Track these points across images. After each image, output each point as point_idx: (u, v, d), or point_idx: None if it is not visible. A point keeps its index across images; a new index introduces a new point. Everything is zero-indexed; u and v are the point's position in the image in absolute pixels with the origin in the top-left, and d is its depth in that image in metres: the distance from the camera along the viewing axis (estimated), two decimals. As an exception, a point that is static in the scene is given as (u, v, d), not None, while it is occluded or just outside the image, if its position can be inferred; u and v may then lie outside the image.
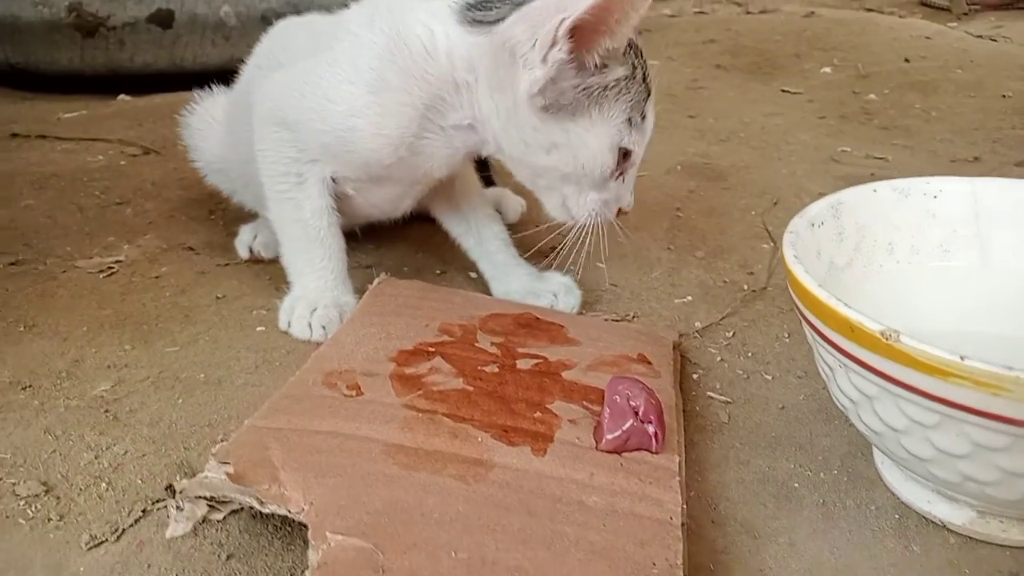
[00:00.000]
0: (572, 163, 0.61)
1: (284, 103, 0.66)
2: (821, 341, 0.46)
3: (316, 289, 0.69)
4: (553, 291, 0.74)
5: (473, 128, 0.64)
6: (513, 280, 0.76)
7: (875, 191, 0.58)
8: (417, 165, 0.66)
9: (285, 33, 0.77)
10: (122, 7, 1.47)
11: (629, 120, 0.61)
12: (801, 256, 0.48)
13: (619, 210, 0.65)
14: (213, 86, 0.88)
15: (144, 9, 1.48)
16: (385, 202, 0.72)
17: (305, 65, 0.65)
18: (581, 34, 0.56)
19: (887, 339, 0.40)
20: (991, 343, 0.58)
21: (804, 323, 0.48)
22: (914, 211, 0.58)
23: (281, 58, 0.72)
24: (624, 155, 0.62)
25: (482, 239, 0.77)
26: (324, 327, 0.66)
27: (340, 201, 0.70)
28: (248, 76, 0.78)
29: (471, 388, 0.55)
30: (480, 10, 0.60)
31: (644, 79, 0.61)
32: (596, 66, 0.58)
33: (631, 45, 0.60)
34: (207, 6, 1.51)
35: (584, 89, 0.58)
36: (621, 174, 0.64)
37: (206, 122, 0.84)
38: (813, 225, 0.54)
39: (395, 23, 0.62)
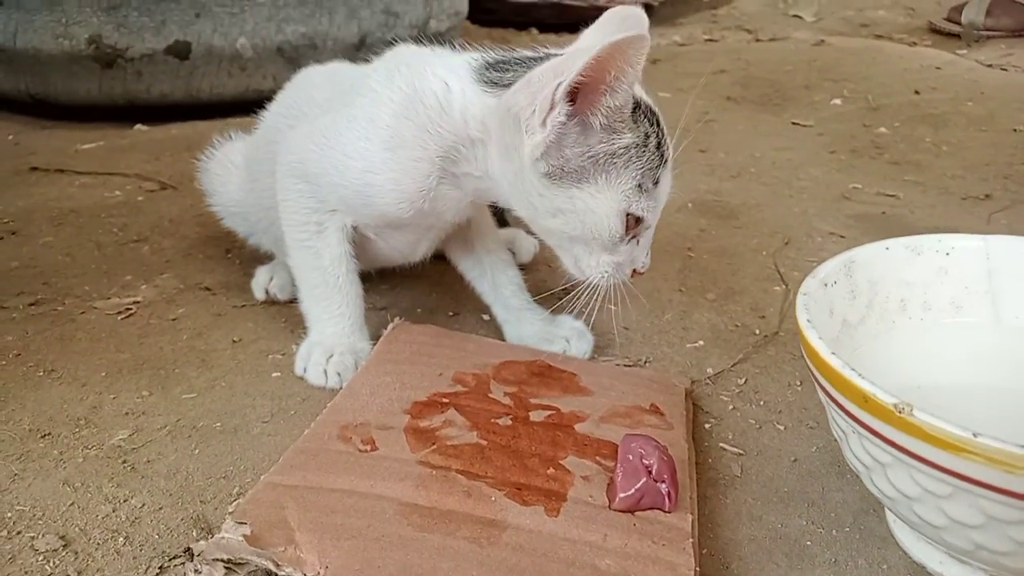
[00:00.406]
0: (579, 227, 0.61)
1: (306, 156, 0.67)
2: (834, 406, 0.46)
3: (332, 335, 0.70)
4: (565, 336, 0.75)
5: (484, 180, 0.65)
6: (526, 325, 0.76)
7: (887, 248, 0.58)
8: (433, 212, 0.67)
9: (308, 83, 0.78)
10: (140, 39, 1.50)
11: (639, 186, 0.60)
12: (814, 318, 0.49)
13: (634, 271, 0.65)
14: (231, 132, 0.90)
15: (162, 41, 1.50)
16: (403, 246, 0.73)
17: (326, 120, 0.67)
18: (582, 95, 0.57)
19: (900, 412, 0.40)
20: (1004, 398, 0.58)
21: (817, 386, 0.48)
22: (926, 268, 0.59)
23: (305, 109, 0.73)
24: (636, 220, 0.61)
25: (496, 284, 0.78)
26: (339, 374, 0.67)
27: (359, 246, 0.71)
28: (270, 123, 0.79)
29: (485, 442, 0.55)
30: (497, 71, 0.62)
31: (658, 147, 0.61)
32: (602, 127, 0.58)
33: (646, 112, 0.60)
34: (223, 38, 1.54)
35: (590, 156, 0.58)
36: (634, 237, 0.63)
37: (225, 167, 0.85)
38: (826, 285, 0.54)
39: (413, 78, 0.63)
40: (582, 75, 0.55)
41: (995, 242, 0.59)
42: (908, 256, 0.59)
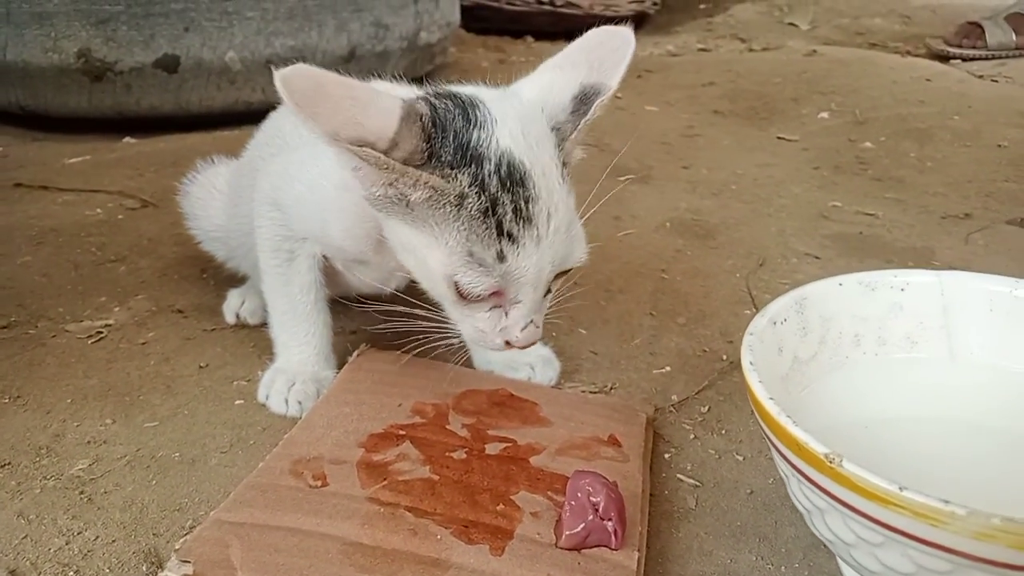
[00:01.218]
0: (421, 278, 0.57)
1: (279, 185, 0.68)
2: (775, 450, 0.46)
3: (297, 362, 0.71)
4: (530, 364, 0.74)
5: None
6: (493, 352, 0.75)
7: (841, 284, 0.58)
8: (391, 257, 0.62)
9: (289, 115, 0.78)
10: (129, 53, 1.51)
11: (470, 254, 0.53)
12: (758, 360, 0.49)
13: (507, 342, 0.57)
14: (214, 157, 0.90)
15: (151, 55, 1.51)
16: (374, 280, 0.72)
17: (299, 154, 0.67)
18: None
19: (830, 462, 0.40)
20: (958, 432, 0.58)
21: (761, 428, 0.48)
22: (881, 303, 0.59)
23: (288, 140, 0.73)
24: (488, 294, 0.54)
25: None
26: (300, 402, 0.68)
27: (330, 275, 0.71)
28: (253, 150, 0.80)
29: (437, 477, 0.56)
30: None
31: (487, 214, 0.52)
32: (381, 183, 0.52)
33: (479, 164, 0.52)
34: (212, 52, 1.54)
35: (393, 196, 0.53)
36: (496, 307, 0.56)
37: (207, 191, 0.86)
38: (775, 323, 0.54)
39: None
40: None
41: (949, 278, 0.59)
42: (862, 292, 0.59)
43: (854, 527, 0.42)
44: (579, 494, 0.52)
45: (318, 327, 0.71)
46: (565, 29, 2.93)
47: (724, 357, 0.80)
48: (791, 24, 2.89)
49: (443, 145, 0.52)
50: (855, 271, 0.96)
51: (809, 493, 0.45)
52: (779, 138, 1.53)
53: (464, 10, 2.18)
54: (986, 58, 2.17)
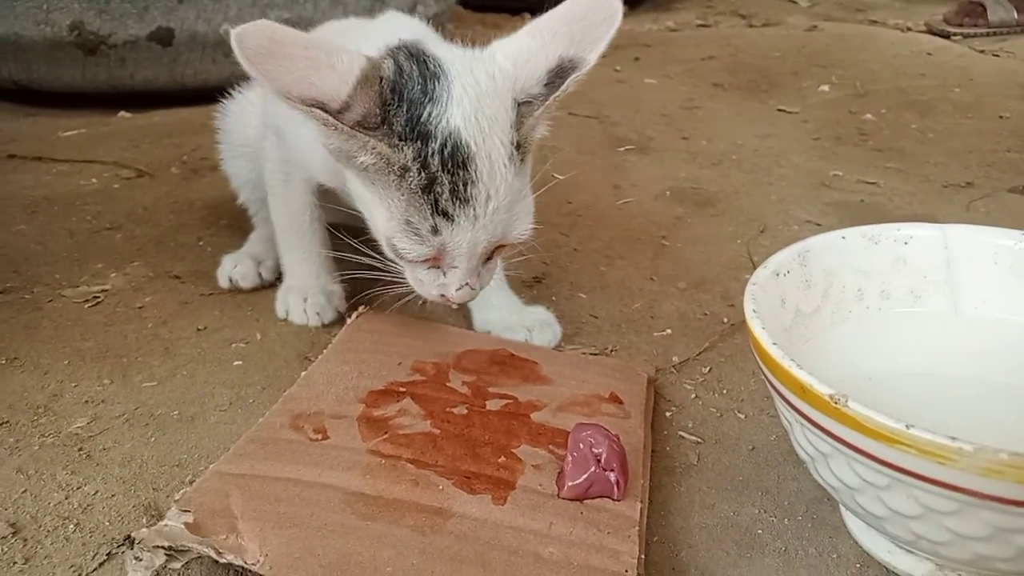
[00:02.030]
0: (370, 225, 0.59)
1: (274, 112, 0.70)
2: (778, 396, 0.46)
3: (304, 277, 0.77)
4: (528, 326, 0.74)
5: None
6: (493, 311, 0.76)
7: (844, 238, 0.58)
8: None
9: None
10: (123, 26, 1.49)
11: (408, 222, 0.54)
12: (761, 309, 0.49)
13: (442, 295, 0.59)
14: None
15: (145, 28, 1.49)
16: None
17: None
18: None
19: (835, 403, 0.40)
20: (960, 387, 0.58)
21: (763, 376, 0.48)
22: (884, 257, 0.58)
23: None
24: (422, 260, 0.57)
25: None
26: (318, 313, 0.75)
27: (327, 196, 0.73)
28: None
29: (437, 431, 0.55)
30: None
31: (427, 190, 0.53)
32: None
33: (426, 141, 0.53)
34: (207, 24, 1.52)
35: (343, 153, 0.54)
36: (435, 267, 0.58)
37: (242, 106, 0.88)
38: (778, 275, 0.54)
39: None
40: None
41: (953, 231, 0.59)
42: (865, 245, 0.58)
43: (859, 470, 0.42)
44: (581, 445, 0.52)
45: (316, 243, 0.76)
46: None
47: (725, 320, 0.80)
48: (791, 1, 2.86)
49: (396, 114, 0.53)
50: (856, 237, 0.97)
51: (813, 438, 0.44)
52: (779, 110, 1.52)
53: (464, -14, 2.16)
54: (987, 35, 2.16)
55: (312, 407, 0.57)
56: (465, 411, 0.58)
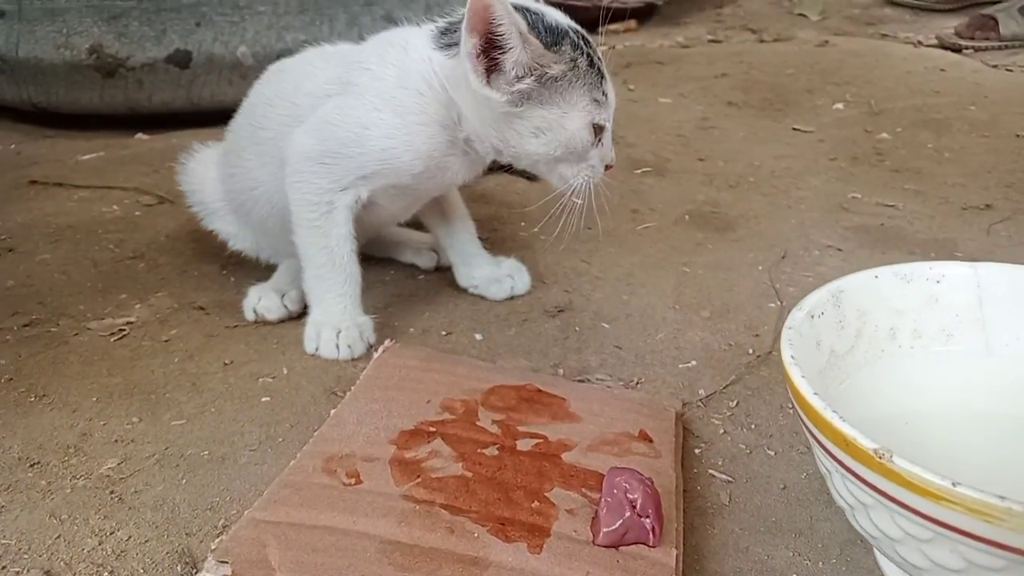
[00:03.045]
0: (559, 145, 0.70)
1: (323, 138, 0.73)
2: (818, 445, 0.46)
3: (337, 312, 0.77)
4: (509, 274, 0.88)
5: (481, 138, 0.73)
6: (475, 268, 0.88)
7: (877, 277, 0.58)
8: (443, 177, 0.76)
9: (289, 75, 0.81)
10: (141, 49, 1.50)
11: (595, 100, 0.69)
12: (799, 353, 0.48)
13: (606, 167, 0.74)
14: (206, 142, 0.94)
15: (162, 51, 1.51)
16: (402, 210, 0.83)
17: (333, 104, 0.73)
18: (487, 49, 0.65)
19: (879, 458, 0.40)
20: (994, 425, 0.57)
21: (802, 423, 0.48)
22: (917, 296, 0.58)
23: (296, 100, 0.77)
24: (599, 128, 0.71)
25: (453, 232, 0.89)
26: (350, 346, 0.76)
27: (358, 216, 0.77)
28: (251, 112, 0.83)
29: (470, 474, 0.55)
30: (448, 34, 0.71)
31: (591, 66, 0.69)
32: (517, 69, 0.66)
33: (572, 41, 0.68)
34: (224, 47, 1.54)
35: (530, 88, 0.67)
36: (599, 141, 0.72)
37: (203, 164, 0.91)
38: (812, 316, 0.53)
39: (400, 55, 0.72)
40: (477, 43, 0.64)
41: (985, 269, 0.58)
42: (898, 284, 0.58)
43: (902, 523, 0.42)
44: (615, 491, 0.51)
45: (352, 277, 0.77)
46: (575, 21, 2.94)
47: (751, 351, 0.80)
48: (801, 15, 2.87)
49: (540, 33, 0.66)
50: (878, 263, 0.95)
51: (854, 489, 0.44)
52: (794, 129, 1.52)
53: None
54: (999, 48, 2.16)
55: (343, 449, 0.57)
56: (496, 452, 0.58)
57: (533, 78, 0.67)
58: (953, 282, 0.58)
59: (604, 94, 0.70)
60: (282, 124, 0.77)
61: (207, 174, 0.90)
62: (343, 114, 0.72)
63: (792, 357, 0.48)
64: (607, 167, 0.75)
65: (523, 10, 0.68)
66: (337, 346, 0.75)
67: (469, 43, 0.65)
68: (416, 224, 0.95)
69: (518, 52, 0.65)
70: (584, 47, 0.69)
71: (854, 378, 0.56)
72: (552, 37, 0.67)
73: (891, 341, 0.58)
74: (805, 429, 0.48)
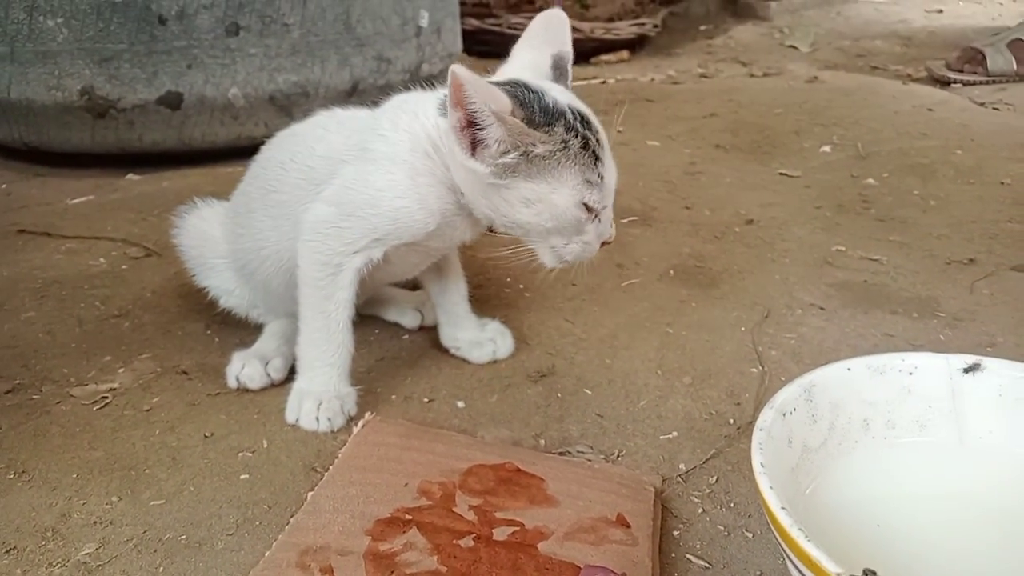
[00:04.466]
0: (550, 217, 0.71)
1: (340, 204, 0.75)
2: (786, 558, 0.46)
3: (321, 383, 0.78)
4: (492, 339, 0.89)
5: (470, 201, 0.74)
6: (461, 330, 0.90)
7: (849, 369, 0.58)
8: (449, 235, 0.79)
9: (303, 139, 0.83)
10: (132, 90, 1.51)
11: (587, 181, 0.70)
12: (769, 460, 0.49)
13: (603, 242, 0.75)
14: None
15: (154, 92, 1.52)
16: (410, 267, 0.85)
17: (351, 170, 0.76)
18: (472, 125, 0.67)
19: (844, 584, 0.40)
20: (967, 516, 0.58)
21: (773, 534, 0.48)
22: (889, 387, 0.59)
23: (309, 163, 0.80)
24: (602, 206, 0.72)
25: (446, 292, 0.90)
26: (329, 419, 0.76)
27: (369, 273, 0.78)
28: (270, 177, 0.84)
29: (444, 569, 0.55)
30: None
31: (585, 148, 0.70)
32: (499, 145, 0.67)
33: (567, 123, 0.69)
34: (215, 88, 1.55)
35: (514, 163, 0.68)
36: (595, 217, 0.73)
37: (207, 220, 0.92)
38: (784, 414, 0.54)
39: (412, 121, 0.75)
40: (461, 117, 0.66)
41: (957, 361, 0.59)
42: (870, 376, 0.59)
43: (868, 644, 0.42)
44: (589, 591, 0.52)
45: (344, 349, 0.78)
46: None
47: (731, 421, 0.80)
48: (791, 47, 2.90)
49: (533, 112, 0.68)
50: (860, 323, 0.97)
51: (822, 605, 0.44)
52: (781, 174, 1.53)
53: (466, 34, 2.19)
54: (986, 83, 2.18)
55: (318, 540, 0.57)
56: (472, 543, 0.58)
57: (517, 153, 0.68)
58: (926, 374, 0.59)
59: (600, 176, 0.71)
60: (296, 187, 0.80)
61: (208, 231, 0.91)
62: (359, 179, 0.75)
63: (762, 464, 0.48)
64: (603, 243, 0.75)
65: (520, 87, 0.70)
66: (317, 419, 0.76)
67: (453, 116, 0.67)
68: (402, 284, 0.96)
69: (495, 129, 0.66)
70: (580, 129, 0.70)
71: (828, 470, 0.57)
72: (545, 117, 0.68)
73: (864, 432, 0.59)
74: (774, 538, 0.48)
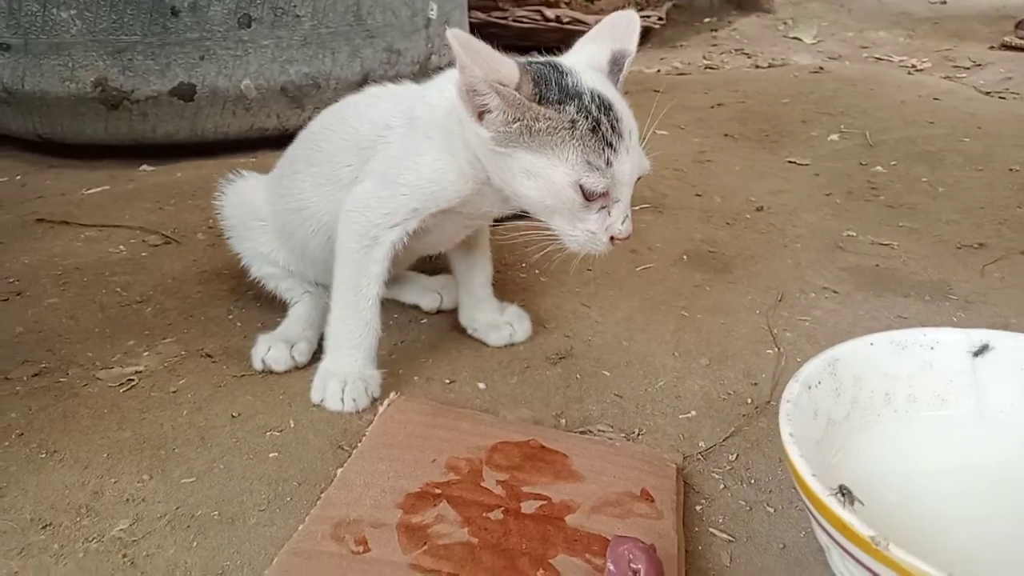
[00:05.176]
0: (547, 193, 0.70)
1: (389, 176, 0.77)
2: (816, 523, 0.47)
3: (347, 364, 0.79)
4: (510, 322, 0.90)
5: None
6: (480, 312, 0.91)
7: (872, 344, 0.59)
8: (479, 203, 0.79)
9: (357, 106, 0.86)
10: (145, 82, 1.52)
11: (588, 163, 0.68)
12: (797, 430, 0.50)
13: (612, 238, 0.72)
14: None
15: (167, 84, 1.52)
16: (445, 239, 0.86)
17: (395, 142, 0.79)
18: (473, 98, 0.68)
19: (876, 545, 0.41)
20: (986, 487, 0.59)
21: (802, 500, 0.49)
22: (911, 362, 0.60)
23: (362, 128, 0.82)
24: (602, 193, 0.70)
25: (472, 273, 0.91)
26: (355, 400, 0.77)
27: (407, 244, 0.79)
28: (317, 137, 0.87)
29: (476, 540, 0.57)
30: None
31: (594, 131, 0.68)
32: (503, 116, 0.67)
33: (582, 102, 0.68)
34: (228, 80, 1.55)
35: (514, 132, 0.68)
36: (603, 208, 0.71)
37: (251, 187, 0.94)
38: (810, 387, 0.55)
39: (440, 98, 0.77)
40: (464, 84, 0.67)
41: (978, 336, 0.60)
42: (893, 351, 0.60)
43: (898, 604, 0.43)
44: (619, 561, 0.53)
45: (371, 328, 0.80)
46: (572, 45, 2.98)
47: (749, 401, 0.81)
48: (795, 38, 2.90)
49: (548, 89, 0.68)
50: (873, 306, 0.98)
51: (852, 567, 0.45)
52: (790, 162, 1.54)
53: (472, 28, 2.19)
54: None
55: (351, 513, 0.58)
56: (501, 516, 0.59)
57: (520, 124, 0.68)
58: (946, 348, 0.60)
59: (607, 162, 0.69)
60: (341, 149, 0.82)
61: (250, 196, 0.94)
62: (402, 148, 0.77)
63: (791, 434, 0.49)
64: (614, 239, 0.73)
65: (547, 65, 0.70)
66: (342, 399, 0.77)
67: (459, 81, 0.68)
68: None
69: (492, 98, 0.67)
70: (595, 112, 0.68)
71: (851, 443, 0.58)
72: (559, 95, 0.68)
73: (886, 406, 0.60)
74: (805, 506, 0.49)
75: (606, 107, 0.70)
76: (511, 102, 0.66)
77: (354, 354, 0.79)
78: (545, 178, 0.70)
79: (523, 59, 0.72)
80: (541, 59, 0.74)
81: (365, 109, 0.83)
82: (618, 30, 0.76)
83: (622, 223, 0.71)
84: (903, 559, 0.40)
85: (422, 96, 0.80)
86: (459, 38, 0.64)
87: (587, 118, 0.69)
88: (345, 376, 0.78)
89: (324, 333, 0.82)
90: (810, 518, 0.50)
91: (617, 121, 0.70)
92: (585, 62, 0.74)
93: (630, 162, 0.70)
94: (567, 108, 0.68)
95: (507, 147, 0.69)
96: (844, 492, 0.48)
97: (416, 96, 0.81)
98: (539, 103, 0.68)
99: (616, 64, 0.75)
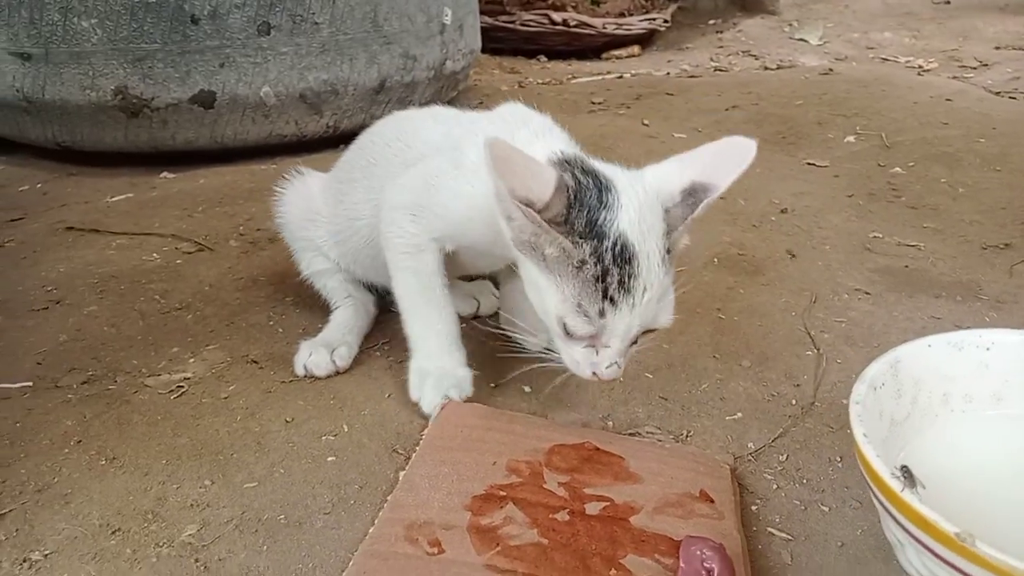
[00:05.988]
0: (539, 307, 0.68)
1: (420, 193, 0.76)
2: (891, 520, 0.48)
3: (437, 356, 0.79)
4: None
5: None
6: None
7: (929, 346, 0.60)
8: (505, 242, 0.73)
9: (414, 123, 0.87)
10: (165, 90, 1.52)
11: (579, 305, 0.64)
12: (869, 431, 0.51)
13: (593, 372, 0.67)
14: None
15: (187, 91, 1.53)
16: (485, 264, 0.86)
17: (436, 163, 0.77)
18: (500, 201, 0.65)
19: (962, 542, 0.42)
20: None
21: (873, 496, 0.50)
22: (968, 363, 0.61)
23: (410, 142, 0.83)
24: (588, 335, 0.65)
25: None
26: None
27: (450, 259, 0.79)
28: (375, 150, 0.87)
29: (546, 541, 0.57)
30: None
31: (600, 280, 0.63)
32: (519, 229, 0.65)
33: (594, 248, 0.63)
34: (247, 87, 1.56)
35: (534, 245, 0.65)
36: (591, 345, 0.66)
37: (308, 187, 0.95)
38: (875, 388, 0.56)
39: (500, 129, 0.74)
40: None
41: (1034, 336, 0.61)
42: (950, 351, 0.61)
43: (981, 599, 0.44)
44: (692, 561, 0.54)
45: (447, 314, 0.79)
46: (578, 48, 2.99)
47: (793, 402, 0.82)
48: (801, 40, 2.92)
49: (578, 217, 0.64)
50: (907, 307, 0.99)
51: (932, 565, 0.46)
52: (809, 164, 1.55)
53: (481, 31, 2.20)
54: None
55: (421, 516, 0.59)
56: (567, 517, 0.60)
57: (535, 240, 0.64)
58: (1003, 349, 0.61)
59: (600, 312, 0.64)
60: (391, 164, 0.83)
61: (310, 192, 0.94)
62: (440, 179, 0.75)
63: (864, 435, 0.50)
64: (595, 375, 0.68)
65: (598, 188, 0.65)
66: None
67: (493, 185, 0.64)
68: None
69: (515, 211, 0.63)
70: (608, 262, 0.63)
71: (912, 443, 0.59)
72: (584, 228, 0.63)
73: (944, 406, 0.61)
74: (878, 503, 0.50)
75: (625, 258, 0.63)
76: (531, 220, 0.62)
77: (439, 339, 0.79)
78: (542, 296, 0.67)
79: (581, 164, 0.67)
80: (602, 170, 0.68)
81: (422, 129, 0.84)
82: (721, 158, 0.67)
83: (607, 367, 0.66)
84: (991, 555, 0.41)
85: (474, 131, 0.76)
86: (495, 149, 0.60)
87: (596, 264, 0.63)
88: (440, 377, 0.77)
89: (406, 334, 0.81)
90: (881, 515, 0.51)
91: (630, 277, 0.64)
92: (655, 185, 0.67)
93: (630, 318, 0.65)
94: (583, 246, 0.63)
95: (521, 251, 0.67)
96: (906, 474, 0.49)
97: (469, 129, 0.78)
98: (561, 226, 0.63)
99: (692, 197, 0.66)
